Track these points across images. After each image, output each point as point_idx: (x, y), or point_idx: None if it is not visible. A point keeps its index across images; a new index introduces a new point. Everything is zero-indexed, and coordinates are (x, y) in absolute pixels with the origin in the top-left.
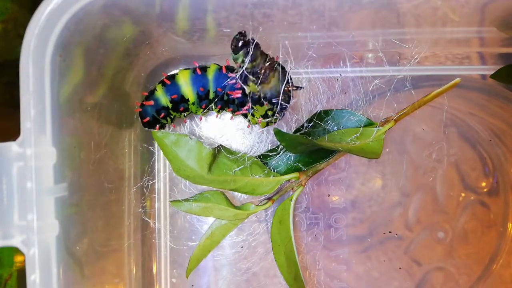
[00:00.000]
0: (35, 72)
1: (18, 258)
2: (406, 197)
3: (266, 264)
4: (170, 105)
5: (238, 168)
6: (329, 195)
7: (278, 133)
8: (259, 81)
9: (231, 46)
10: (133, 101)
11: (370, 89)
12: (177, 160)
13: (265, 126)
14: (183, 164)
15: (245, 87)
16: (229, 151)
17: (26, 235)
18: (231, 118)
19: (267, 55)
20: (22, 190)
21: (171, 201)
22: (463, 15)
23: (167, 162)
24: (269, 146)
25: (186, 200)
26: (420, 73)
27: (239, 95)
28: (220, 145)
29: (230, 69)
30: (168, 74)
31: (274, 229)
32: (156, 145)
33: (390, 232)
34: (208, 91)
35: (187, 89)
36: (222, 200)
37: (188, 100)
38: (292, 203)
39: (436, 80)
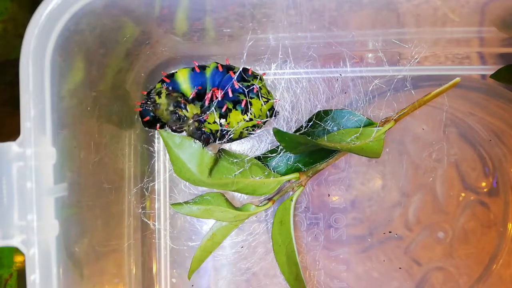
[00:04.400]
0: (35, 72)
1: (18, 258)
2: (406, 197)
3: (266, 264)
4: None
5: (239, 171)
6: (329, 195)
7: (277, 133)
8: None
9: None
10: (133, 101)
11: (370, 89)
12: (179, 162)
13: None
14: (184, 166)
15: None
16: (230, 154)
17: (26, 235)
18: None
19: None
20: (22, 190)
21: (171, 204)
22: (463, 15)
23: (167, 162)
24: (269, 146)
25: (187, 202)
26: (420, 73)
27: (219, 97)
28: (222, 149)
29: (228, 67)
30: (168, 73)
31: (275, 229)
32: (156, 145)
33: (390, 232)
34: (206, 89)
35: (186, 87)
36: (222, 202)
37: None
38: (293, 203)
39: (436, 80)
